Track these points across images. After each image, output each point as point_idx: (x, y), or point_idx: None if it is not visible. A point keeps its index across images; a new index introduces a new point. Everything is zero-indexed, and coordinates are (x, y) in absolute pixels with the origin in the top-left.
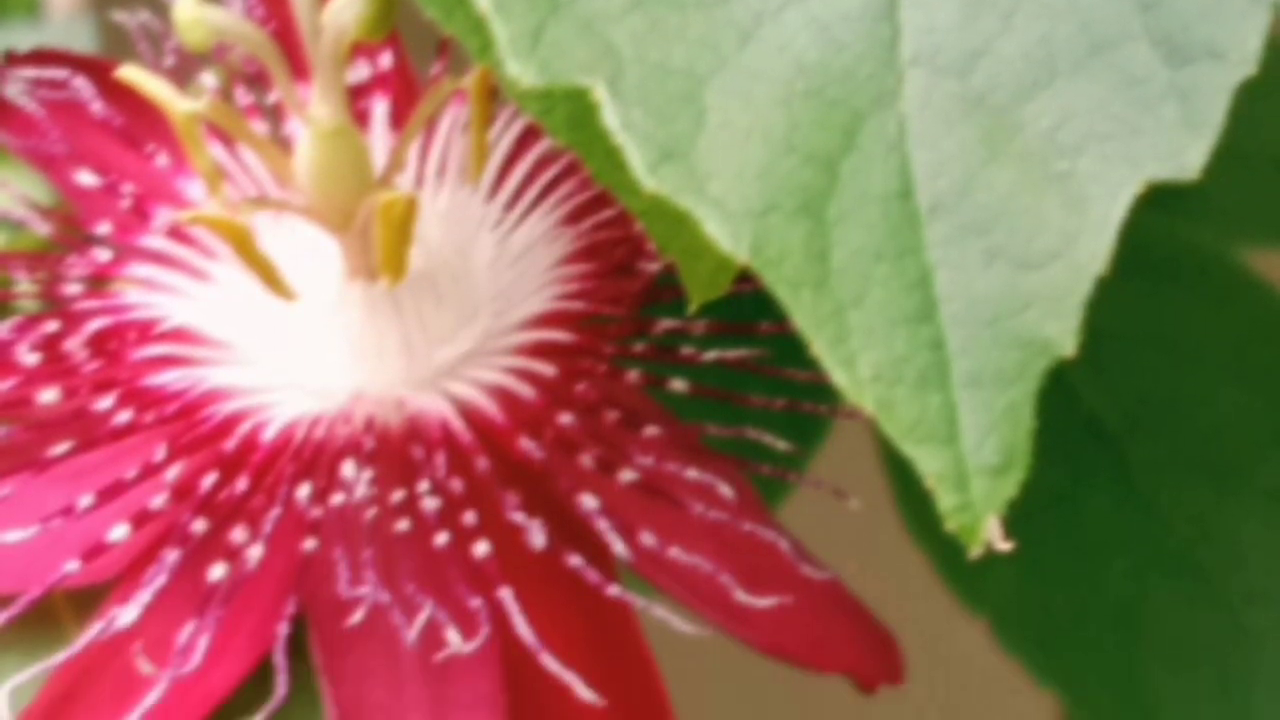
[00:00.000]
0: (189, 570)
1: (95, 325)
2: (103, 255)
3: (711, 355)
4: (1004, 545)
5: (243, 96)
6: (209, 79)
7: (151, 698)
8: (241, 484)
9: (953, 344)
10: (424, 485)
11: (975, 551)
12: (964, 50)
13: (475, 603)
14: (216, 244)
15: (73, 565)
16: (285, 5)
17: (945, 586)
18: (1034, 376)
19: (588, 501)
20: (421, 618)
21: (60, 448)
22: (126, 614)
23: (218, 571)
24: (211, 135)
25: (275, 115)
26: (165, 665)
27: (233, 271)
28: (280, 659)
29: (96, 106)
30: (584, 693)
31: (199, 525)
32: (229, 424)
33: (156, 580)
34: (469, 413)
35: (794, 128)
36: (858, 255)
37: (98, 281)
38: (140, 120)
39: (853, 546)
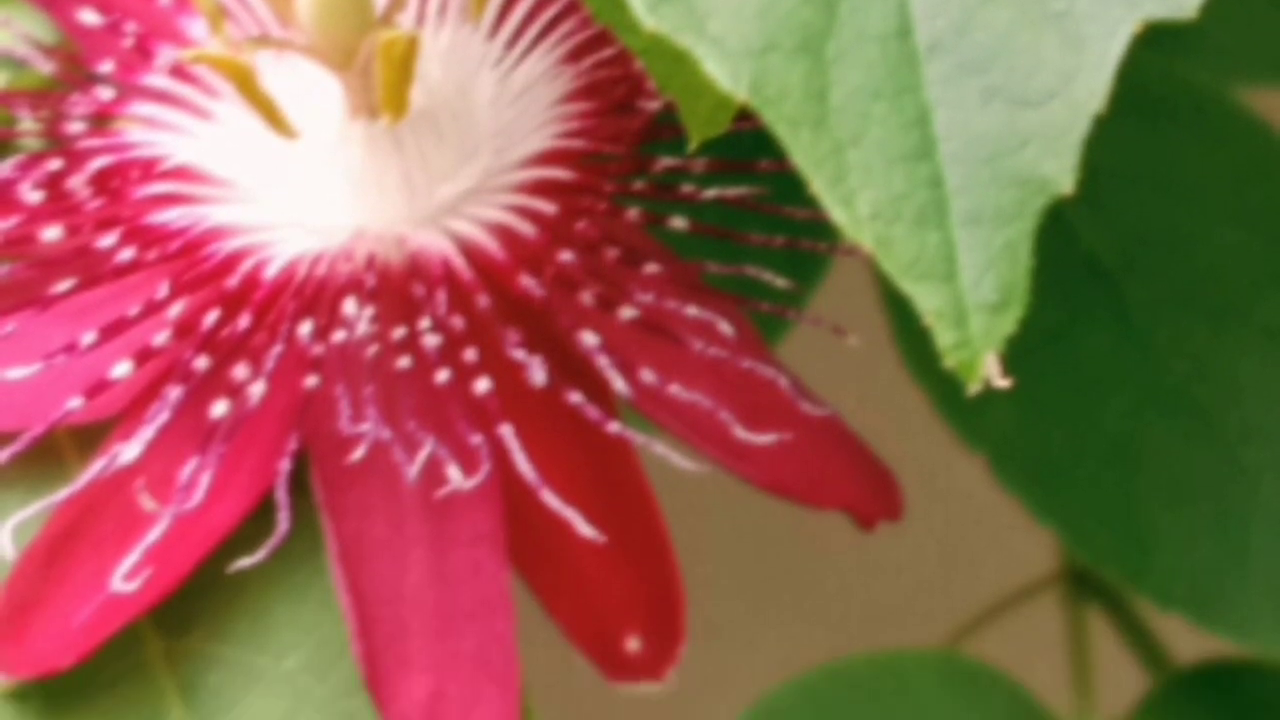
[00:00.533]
0: (191, 407)
1: (98, 163)
2: (105, 93)
3: (711, 193)
4: (1002, 382)
5: None
6: None
7: (154, 534)
8: (243, 321)
9: (951, 182)
10: (425, 322)
11: (973, 388)
12: None
13: (476, 439)
14: (219, 82)
15: (76, 402)
16: None
17: (944, 423)
18: (1032, 214)
19: (588, 338)
20: (423, 454)
21: (63, 285)
22: (129, 451)
23: (220, 408)
24: None
25: None
26: (168, 502)
27: (235, 110)
28: (282, 495)
29: None
30: (584, 529)
31: (201, 362)
32: (231, 261)
33: (159, 417)
34: (470, 250)
35: None
36: (856, 94)
37: (100, 120)
38: None
39: (852, 383)
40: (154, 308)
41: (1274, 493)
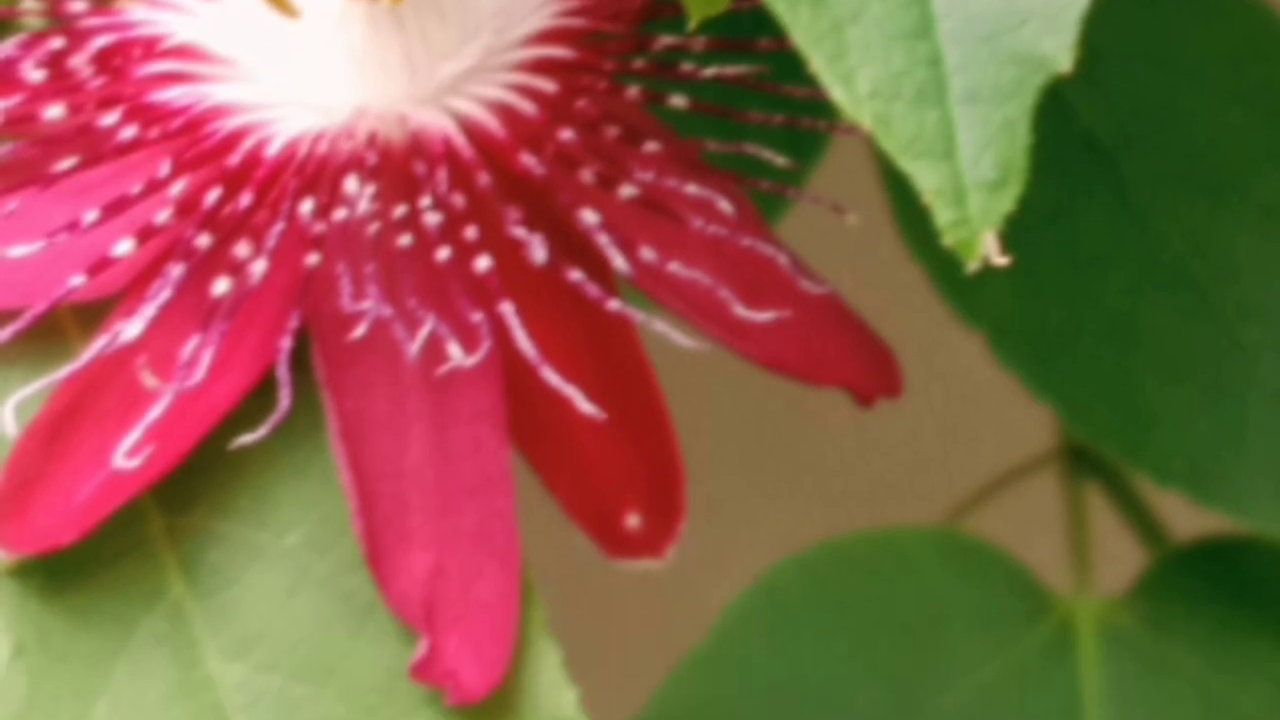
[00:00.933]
0: (193, 285)
1: (100, 42)
2: None
3: (711, 71)
4: (1001, 259)
5: None
6: None
7: (156, 411)
8: (245, 199)
9: (950, 60)
10: (426, 200)
11: (972, 266)
12: None
13: (477, 317)
14: None
15: (78, 280)
16: None
17: (943, 301)
18: (1030, 92)
19: (588, 216)
20: (424, 332)
21: (65, 164)
22: (131, 328)
23: (221, 286)
24: None
25: None
26: (169, 379)
27: None
28: (284, 372)
29: None
30: (585, 406)
31: (203, 240)
32: (233, 140)
33: (161, 295)
34: (471, 128)
35: None
36: None
37: None
38: None
39: (851, 261)
40: (156, 186)
41: (1271, 370)
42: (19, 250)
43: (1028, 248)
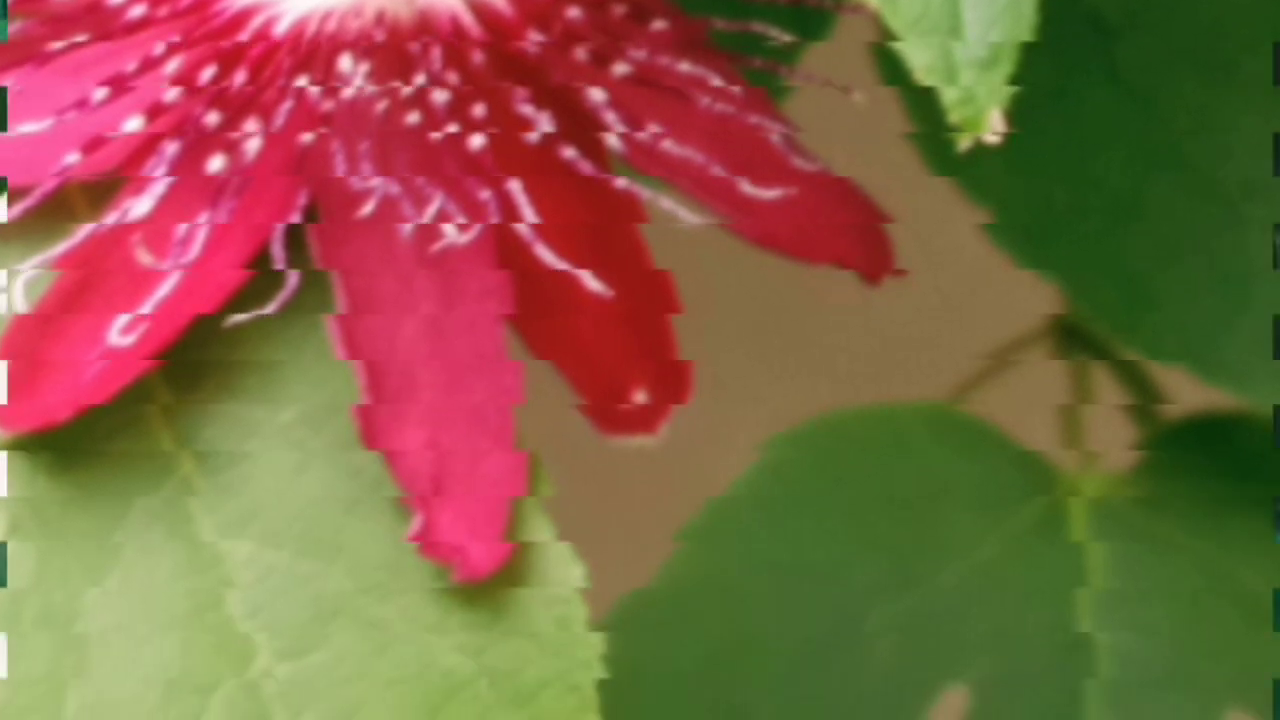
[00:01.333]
0: (197, 162)
1: None
2: None
3: None
4: (997, 137)
5: None
6: None
7: (159, 290)
8: (253, 77)
9: None
10: (433, 78)
11: (965, 144)
12: None
13: (484, 195)
14: None
15: (73, 158)
16: None
17: (943, 180)
18: None
19: (594, 94)
20: (431, 209)
21: (75, 41)
22: (139, 206)
23: (224, 163)
24: None
25: None
26: (170, 257)
27: None
28: (280, 250)
29: None
30: (590, 284)
31: (211, 118)
32: (241, 18)
33: (166, 173)
34: (478, 6)
35: None
36: None
37: None
38: None
39: (854, 140)
40: (163, 63)
41: (1272, 247)
42: (28, 127)
43: (1029, 127)
